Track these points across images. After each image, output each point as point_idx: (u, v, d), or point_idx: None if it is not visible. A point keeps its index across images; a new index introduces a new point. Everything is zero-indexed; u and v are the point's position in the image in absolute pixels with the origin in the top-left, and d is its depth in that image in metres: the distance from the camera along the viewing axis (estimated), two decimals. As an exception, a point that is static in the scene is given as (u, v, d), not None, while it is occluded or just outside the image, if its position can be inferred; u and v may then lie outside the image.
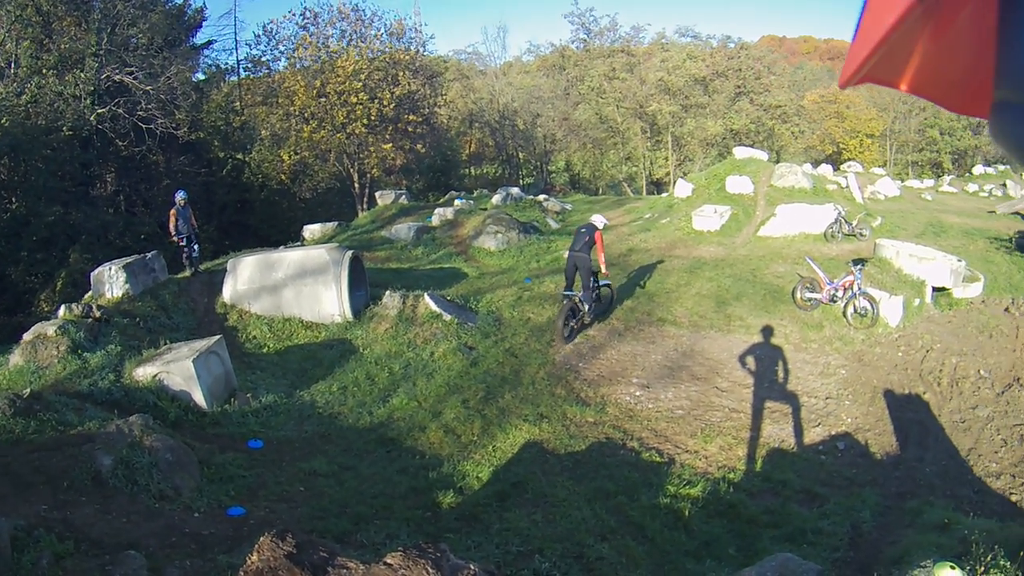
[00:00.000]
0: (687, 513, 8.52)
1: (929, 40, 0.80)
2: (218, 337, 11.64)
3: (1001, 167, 47.30)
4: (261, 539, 4.37)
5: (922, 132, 58.66)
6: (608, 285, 15.65)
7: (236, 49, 40.82)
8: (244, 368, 12.64)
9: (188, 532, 6.92)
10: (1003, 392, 12.89)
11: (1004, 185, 39.29)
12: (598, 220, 14.86)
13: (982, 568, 4.74)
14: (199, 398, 10.46)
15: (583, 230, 14.43)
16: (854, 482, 9.96)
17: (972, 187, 39.78)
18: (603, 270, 14.63)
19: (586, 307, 14.36)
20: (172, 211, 17.05)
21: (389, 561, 4.29)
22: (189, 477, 8.08)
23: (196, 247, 17.64)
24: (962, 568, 4.81)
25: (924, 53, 0.82)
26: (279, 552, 4.24)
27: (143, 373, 10.67)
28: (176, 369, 10.56)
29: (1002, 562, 4.80)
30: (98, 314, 13.31)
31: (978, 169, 46.69)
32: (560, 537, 7.40)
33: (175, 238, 17.21)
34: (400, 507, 8.09)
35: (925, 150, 59.54)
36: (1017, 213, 30.77)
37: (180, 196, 17.17)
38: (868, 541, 7.98)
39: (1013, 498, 9.89)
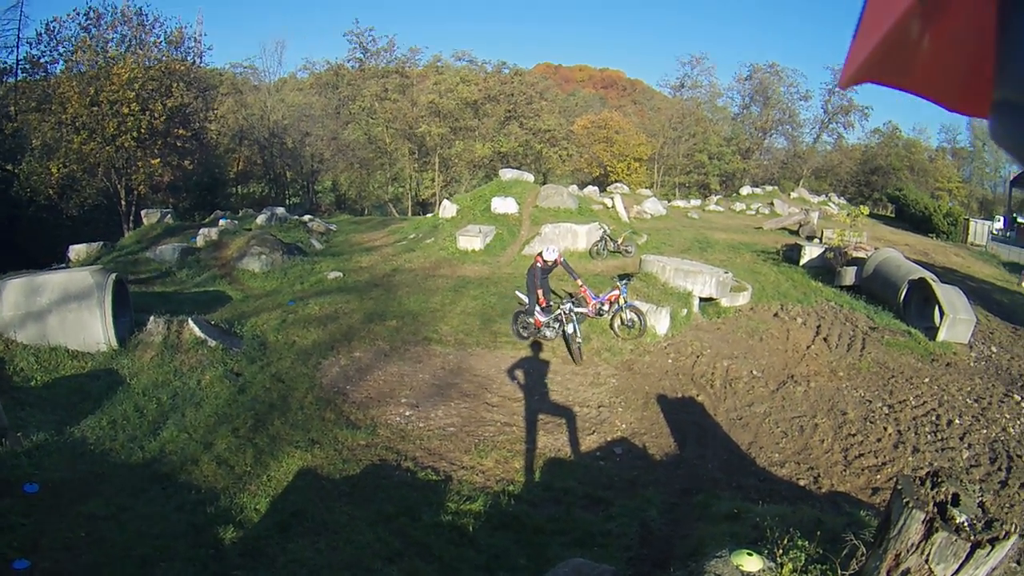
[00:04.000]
0: (471, 528, 8.57)
1: (929, 40, 0.81)
2: (-17, 372, 10.51)
3: (768, 187, 51.14)
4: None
5: (690, 156, 62.68)
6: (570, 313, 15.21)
7: (17, 47, 37.21)
8: (13, 404, 11.48)
9: (-23, 594, 6.25)
10: (778, 389, 13.84)
11: (771, 204, 42.45)
12: (546, 251, 15.44)
13: (780, 550, 4.84)
14: (-32, 441, 9.42)
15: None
16: (636, 483, 10.27)
17: (739, 206, 42.59)
18: (539, 296, 15.28)
19: (531, 318, 15.34)
20: None
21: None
22: (-32, 531, 7.28)
23: None
24: (759, 553, 4.90)
25: (924, 53, 0.82)
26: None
27: (-90, 417, 9.49)
28: (-57, 412, 9.45)
29: (800, 542, 4.94)
30: None
31: (745, 190, 49.80)
32: (347, 564, 7.30)
33: None
34: (183, 547, 7.68)
35: (693, 172, 63.53)
36: (784, 228, 33.73)
37: None
38: (659, 538, 8.21)
39: (801, 483, 10.58)
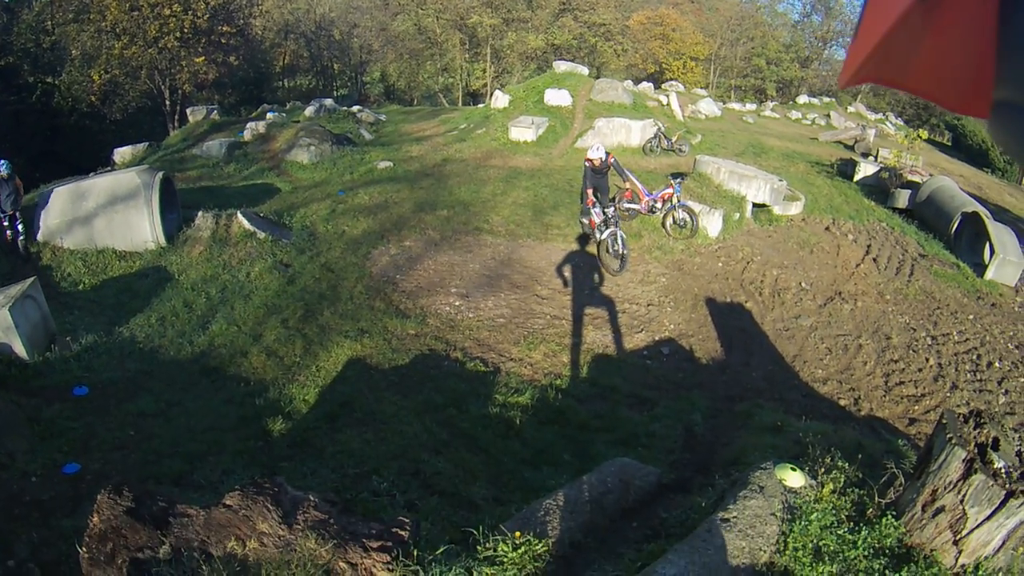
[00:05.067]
0: (518, 421, 8.66)
1: (929, 40, 0.79)
2: (32, 279, 10.50)
3: (826, 99, 49.76)
4: (99, 497, 4.23)
5: (748, 60, 60.95)
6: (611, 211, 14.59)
7: (52, -38, 36.94)
8: (61, 309, 11.71)
9: (29, 500, 6.48)
10: (825, 304, 13.75)
11: (828, 116, 41.04)
12: (591, 150, 14.55)
13: (822, 469, 4.87)
14: (19, 349, 9.57)
15: None
16: (682, 386, 10.36)
17: (795, 115, 41.39)
18: (588, 196, 14.61)
19: (585, 219, 14.96)
20: None
21: (228, 502, 4.33)
22: (20, 438, 7.52)
23: (20, 226, 14.12)
24: (801, 469, 4.92)
25: (924, 52, 0.81)
26: (118, 509, 4.20)
27: (-42, 328, 9.63)
28: (-8, 320, 9.59)
29: (840, 463, 4.94)
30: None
31: (802, 99, 48.46)
32: (394, 455, 7.37)
33: None
34: (231, 440, 7.86)
35: (750, 76, 61.81)
36: (840, 142, 32.79)
37: (3, 168, 13.89)
38: (702, 443, 8.27)
39: (841, 402, 10.59)
